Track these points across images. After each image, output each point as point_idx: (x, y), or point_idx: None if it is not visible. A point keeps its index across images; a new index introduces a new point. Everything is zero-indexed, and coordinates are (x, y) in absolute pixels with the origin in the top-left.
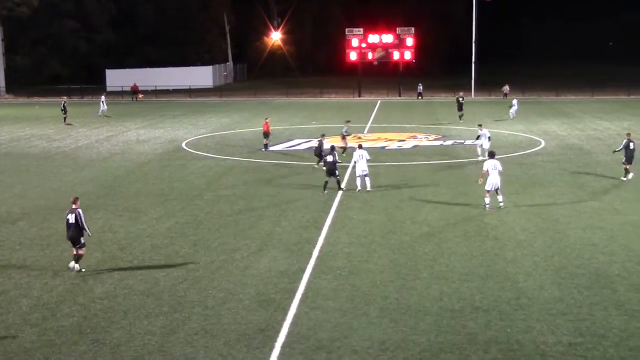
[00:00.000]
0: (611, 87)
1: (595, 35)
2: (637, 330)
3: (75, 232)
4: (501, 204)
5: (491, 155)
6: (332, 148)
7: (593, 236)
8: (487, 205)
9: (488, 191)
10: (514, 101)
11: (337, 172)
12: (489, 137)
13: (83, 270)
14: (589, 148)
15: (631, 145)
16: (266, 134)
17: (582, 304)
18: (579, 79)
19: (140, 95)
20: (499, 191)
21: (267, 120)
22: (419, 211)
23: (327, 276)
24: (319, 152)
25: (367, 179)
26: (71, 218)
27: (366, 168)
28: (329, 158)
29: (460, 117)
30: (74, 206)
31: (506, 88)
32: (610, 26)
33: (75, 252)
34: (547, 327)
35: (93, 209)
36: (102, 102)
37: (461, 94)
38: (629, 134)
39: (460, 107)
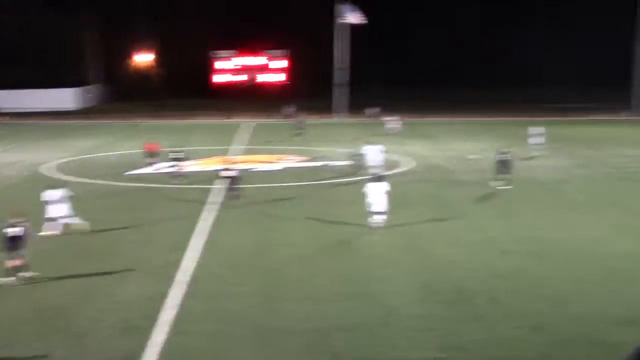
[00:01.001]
0: (471, 109)
1: (456, 59)
2: (496, 341)
3: (17, 245)
4: (382, 223)
5: (378, 179)
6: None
7: (456, 253)
8: (374, 224)
9: (374, 213)
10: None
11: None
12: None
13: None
14: (451, 168)
15: (504, 158)
16: (151, 154)
17: (445, 319)
18: (441, 101)
19: (7, 117)
20: (381, 214)
21: (149, 140)
22: (289, 233)
23: (196, 300)
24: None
25: None
26: (12, 231)
27: None
28: (234, 173)
29: (298, 134)
30: (19, 219)
31: (376, 110)
32: (470, 51)
33: (14, 264)
34: (413, 343)
35: None
36: None
37: (299, 112)
38: (500, 148)
39: (298, 126)
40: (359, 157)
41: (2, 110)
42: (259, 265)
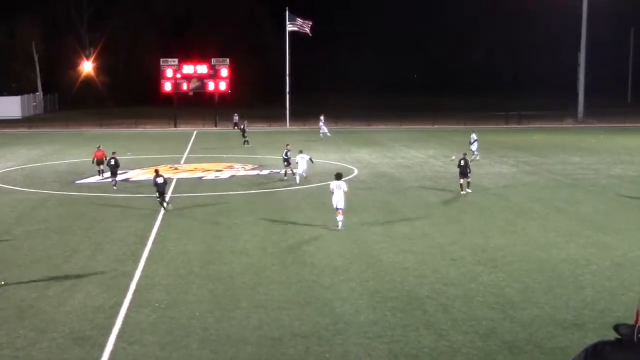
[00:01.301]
0: (417, 117)
1: (403, 68)
2: (445, 348)
3: None
4: (339, 223)
5: (338, 176)
6: (157, 171)
7: (404, 260)
8: (339, 223)
9: (337, 209)
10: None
11: (165, 194)
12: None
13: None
14: (398, 175)
15: (461, 162)
16: (100, 161)
17: (396, 325)
18: (388, 109)
19: None
20: (341, 211)
21: (99, 148)
22: (237, 240)
23: (145, 310)
24: (286, 161)
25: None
26: None
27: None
28: (160, 180)
29: (245, 142)
30: None
31: (322, 118)
32: (416, 60)
33: None
34: (364, 350)
35: None
36: None
37: (242, 120)
38: (464, 153)
39: (243, 133)
40: (286, 162)
41: None
42: (208, 274)
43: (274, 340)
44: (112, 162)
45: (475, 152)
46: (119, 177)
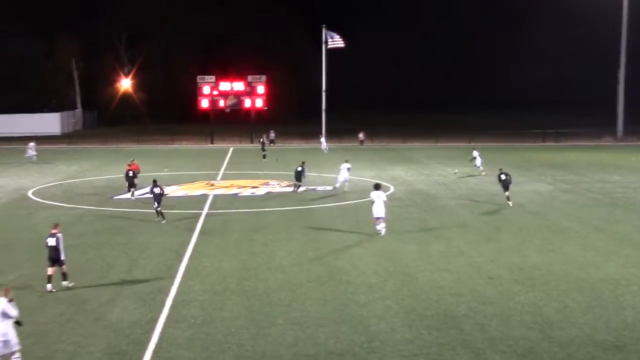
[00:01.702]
0: (453, 134)
1: (438, 85)
2: None
3: (55, 254)
4: (382, 231)
5: (377, 187)
6: (155, 182)
7: (441, 278)
8: (378, 230)
9: (376, 218)
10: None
11: (158, 204)
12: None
13: (72, 284)
14: (434, 193)
15: (502, 177)
16: (134, 174)
17: (432, 344)
18: (424, 126)
19: None
20: (382, 219)
21: (133, 161)
22: (273, 257)
23: (181, 325)
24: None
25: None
26: (51, 241)
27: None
28: (157, 190)
29: (264, 156)
30: (54, 231)
31: (361, 135)
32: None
33: (55, 272)
34: None
35: None
36: (30, 148)
37: (271, 134)
38: (500, 168)
39: (263, 147)
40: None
41: None
42: (244, 290)
43: (309, 358)
44: (130, 173)
45: (480, 168)
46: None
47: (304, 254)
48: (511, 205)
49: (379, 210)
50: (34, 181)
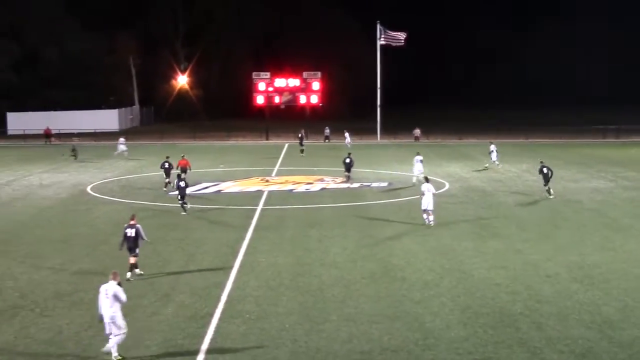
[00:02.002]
0: (510, 131)
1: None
2: None
3: (134, 244)
4: (432, 222)
5: (426, 179)
6: (179, 176)
7: (496, 276)
8: (426, 221)
9: (424, 210)
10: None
11: (185, 197)
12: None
13: (142, 273)
14: (490, 190)
15: (544, 170)
16: (184, 170)
17: (487, 342)
18: (479, 123)
19: (53, 139)
20: (430, 212)
21: (183, 157)
22: (327, 253)
23: (236, 320)
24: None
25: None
26: (130, 231)
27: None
28: (182, 184)
29: (302, 151)
30: (132, 222)
31: (417, 132)
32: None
33: (135, 261)
34: None
35: None
36: (121, 143)
37: (326, 130)
38: (541, 161)
39: (301, 142)
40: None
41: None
42: (298, 286)
43: (364, 354)
44: (166, 165)
45: (497, 162)
46: (212, 189)
47: (358, 250)
48: (552, 197)
49: (428, 202)
50: (93, 177)
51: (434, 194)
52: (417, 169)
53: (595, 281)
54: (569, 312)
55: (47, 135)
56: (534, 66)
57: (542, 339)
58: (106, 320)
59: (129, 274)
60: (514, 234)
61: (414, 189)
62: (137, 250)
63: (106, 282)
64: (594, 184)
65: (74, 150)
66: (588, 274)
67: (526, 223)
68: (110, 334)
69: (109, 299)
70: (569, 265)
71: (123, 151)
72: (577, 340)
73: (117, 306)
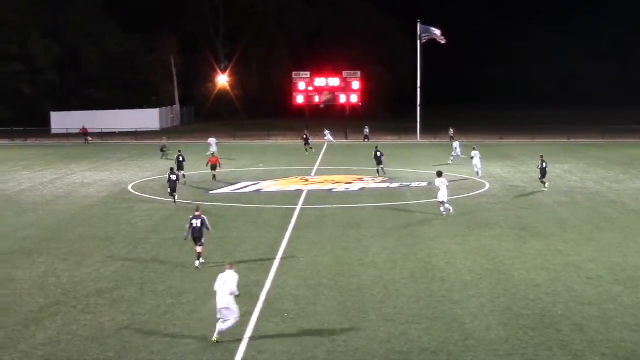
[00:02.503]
0: (551, 130)
1: (533, 80)
2: None
3: (200, 234)
4: (450, 210)
5: (439, 174)
6: (172, 169)
7: (537, 277)
8: (443, 213)
9: (441, 202)
10: (455, 144)
11: (173, 190)
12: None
13: (204, 262)
14: (531, 190)
15: (543, 165)
16: (214, 167)
17: (528, 344)
18: (519, 122)
19: (90, 138)
20: (445, 203)
21: (214, 154)
22: (367, 253)
23: (275, 319)
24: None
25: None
26: (196, 222)
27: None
28: (173, 177)
29: (309, 149)
30: (197, 213)
31: (451, 131)
32: (546, 72)
33: (201, 250)
34: None
35: (36, 252)
36: (212, 144)
37: (365, 130)
38: (541, 155)
39: (307, 142)
40: None
41: (89, 130)
42: (337, 286)
43: (402, 355)
44: (181, 158)
45: (478, 168)
46: (252, 189)
47: (398, 250)
48: (546, 190)
49: (443, 195)
50: (134, 175)
51: (447, 186)
52: (475, 163)
53: (638, 284)
54: (612, 314)
55: (84, 134)
56: (572, 66)
57: (583, 342)
58: (221, 306)
59: (197, 263)
60: (555, 234)
61: (454, 189)
62: (203, 240)
63: (223, 271)
64: (638, 185)
65: (164, 147)
66: (631, 276)
67: (568, 224)
68: (220, 319)
69: (226, 287)
70: (611, 267)
71: (213, 152)
72: (620, 344)
73: (232, 296)
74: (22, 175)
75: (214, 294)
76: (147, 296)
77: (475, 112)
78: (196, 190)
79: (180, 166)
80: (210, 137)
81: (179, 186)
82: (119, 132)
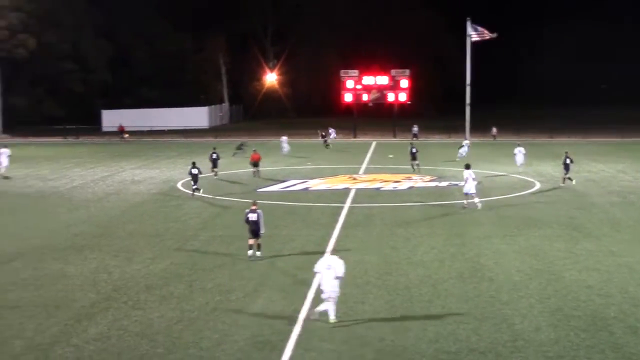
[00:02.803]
0: (604, 129)
1: (587, 78)
2: None
3: (256, 227)
4: (478, 205)
5: (467, 166)
6: (194, 163)
7: (589, 278)
8: (465, 204)
9: (466, 194)
10: (465, 142)
11: (195, 182)
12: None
13: (261, 254)
14: (583, 190)
15: (567, 161)
16: (256, 163)
17: (579, 346)
18: (571, 120)
19: (126, 135)
20: (474, 195)
21: (255, 151)
22: (415, 252)
23: (323, 318)
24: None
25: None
26: (252, 217)
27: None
28: (194, 171)
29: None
30: (254, 207)
31: (494, 130)
32: (602, 70)
33: (254, 242)
34: None
35: (88, 249)
36: (284, 141)
37: (414, 128)
38: (566, 152)
39: (324, 140)
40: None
41: (136, 129)
42: (385, 285)
43: (451, 355)
44: (214, 156)
45: (463, 154)
46: (300, 187)
47: (446, 250)
48: (574, 183)
49: (470, 187)
50: (183, 173)
51: (474, 179)
52: (519, 160)
53: None
54: None
55: (121, 131)
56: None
57: (638, 345)
58: (327, 289)
59: (250, 252)
60: (607, 235)
61: (504, 188)
62: (260, 233)
63: (329, 256)
64: None
65: (242, 145)
66: None
67: (620, 224)
68: (329, 297)
69: (331, 272)
70: None
71: (287, 150)
72: None
73: (338, 278)
74: (74, 173)
75: (256, 291)
76: (196, 293)
77: (525, 110)
78: (244, 187)
79: (214, 164)
80: (283, 136)
81: (227, 186)
82: (169, 130)
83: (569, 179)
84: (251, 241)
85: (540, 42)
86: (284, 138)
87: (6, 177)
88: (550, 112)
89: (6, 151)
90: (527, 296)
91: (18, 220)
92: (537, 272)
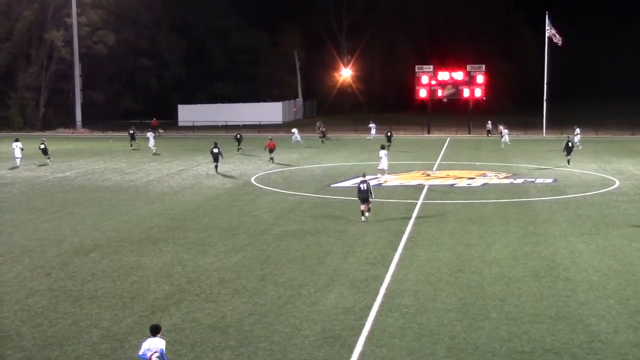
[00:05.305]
0: None
1: None
2: None
3: (366, 195)
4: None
5: (382, 147)
6: (215, 143)
7: None
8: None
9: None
10: (504, 131)
11: (216, 160)
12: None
13: (369, 216)
14: None
15: (569, 144)
16: (272, 150)
17: None
18: None
19: (162, 131)
20: (384, 171)
21: (271, 139)
22: (488, 250)
23: (394, 314)
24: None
25: None
26: (363, 186)
27: None
28: (215, 150)
29: (389, 147)
30: (363, 178)
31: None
32: None
33: (365, 207)
34: None
35: (163, 241)
36: (295, 133)
37: (488, 125)
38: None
39: (389, 139)
40: None
41: (211, 124)
42: (457, 282)
43: (524, 354)
44: (215, 150)
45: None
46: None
47: (521, 248)
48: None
49: (384, 165)
50: (257, 168)
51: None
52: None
53: None
54: None
55: (154, 127)
56: None
57: None
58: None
59: (363, 218)
60: None
61: (582, 185)
62: (370, 199)
63: None
64: None
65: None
66: None
67: None
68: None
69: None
70: None
71: (299, 140)
72: None
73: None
74: (150, 167)
75: (328, 286)
76: (268, 287)
77: (606, 106)
78: (317, 183)
79: (215, 158)
80: (293, 128)
81: (299, 181)
82: (243, 125)
83: (568, 162)
84: (363, 207)
85: (623, 37)
86: (295, 130)
87: (12, 168)
88: (634, 110)
89: (18, 144)
90: (605, 297)
91: (96, 212)
92: (616, 273)
